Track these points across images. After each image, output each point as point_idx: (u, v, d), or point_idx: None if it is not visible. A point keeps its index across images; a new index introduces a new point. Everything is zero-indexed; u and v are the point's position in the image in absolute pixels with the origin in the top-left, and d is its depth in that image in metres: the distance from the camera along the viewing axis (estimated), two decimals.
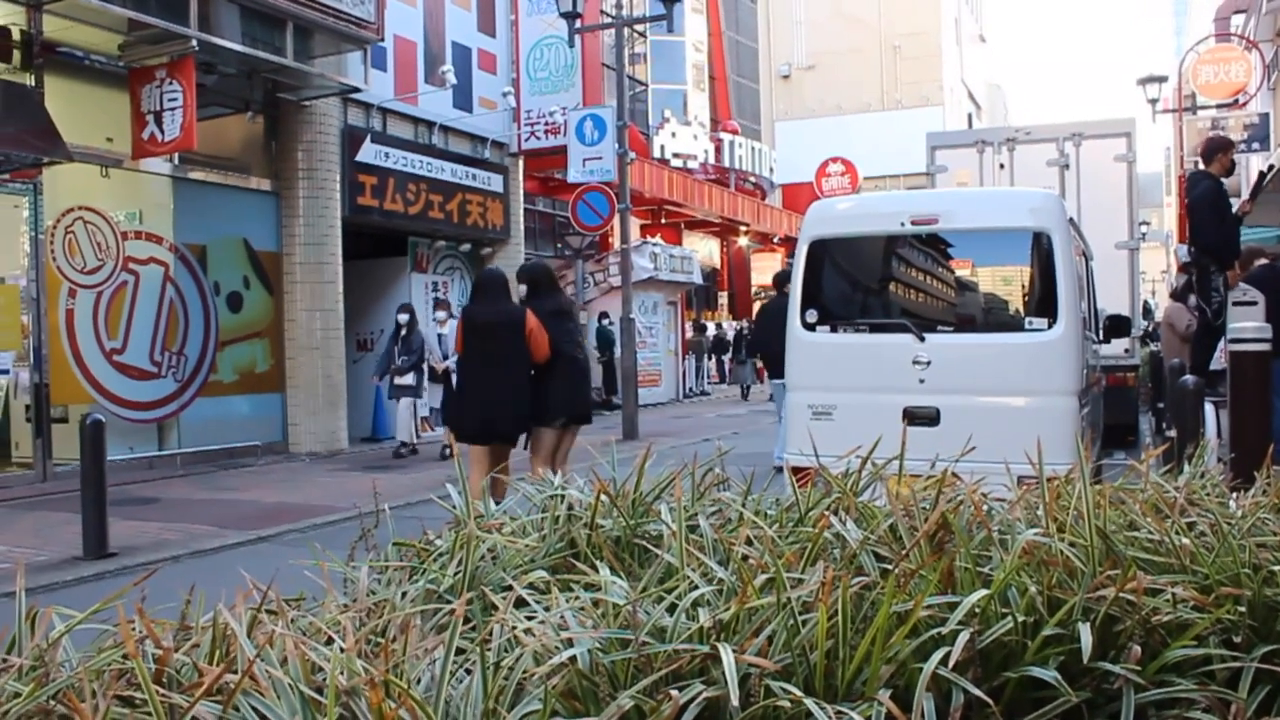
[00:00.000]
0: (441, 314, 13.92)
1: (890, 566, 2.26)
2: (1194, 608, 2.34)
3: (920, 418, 6.12)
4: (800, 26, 48.74)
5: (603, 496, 2.70)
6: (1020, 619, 2.10)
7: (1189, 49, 24.00)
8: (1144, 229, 22.02)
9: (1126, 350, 10.49)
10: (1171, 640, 2.29)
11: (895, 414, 6.16)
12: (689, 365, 26.87)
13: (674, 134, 30.01)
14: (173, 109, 11.62)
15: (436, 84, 16.66)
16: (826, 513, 2.48)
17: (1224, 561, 2.47)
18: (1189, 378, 7.17)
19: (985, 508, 2.63)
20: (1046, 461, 3.47)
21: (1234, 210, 8.66)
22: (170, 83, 11.67)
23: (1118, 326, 8.20)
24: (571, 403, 7.70)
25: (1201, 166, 8.34)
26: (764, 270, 35.75)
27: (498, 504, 3.06)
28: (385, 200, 15.89)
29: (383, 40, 14.63)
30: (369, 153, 15.54)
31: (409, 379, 13.72)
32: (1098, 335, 8.14)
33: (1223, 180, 8.22)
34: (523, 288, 7.90)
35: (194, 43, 11.48)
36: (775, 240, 34.44)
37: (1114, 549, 2.48)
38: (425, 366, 13.76)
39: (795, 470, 5.73)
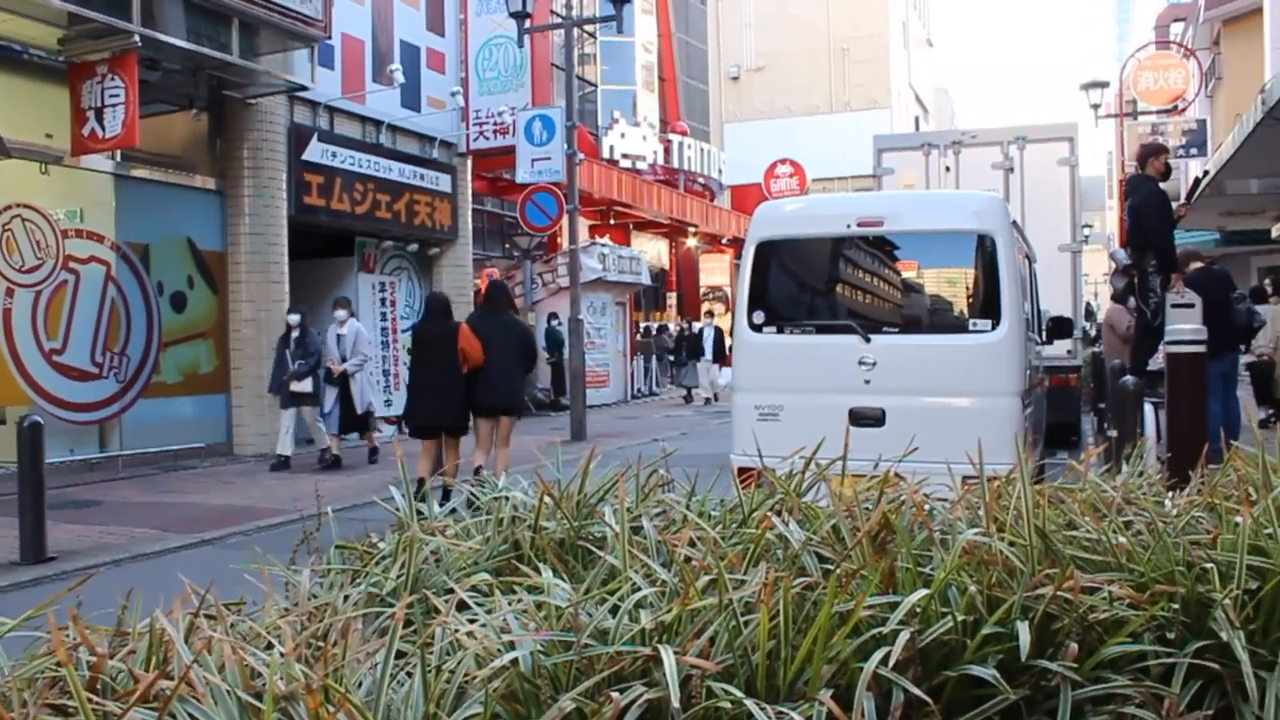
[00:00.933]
0: (341, 313, 13.05)
1: (832, 567, 2.28)
2: (1130, 605, 2.38)
3: (866, 418, 6.17)
4: (749, 29, 48.93)
5: (546, 498, 2.69)
6: (960, 618, 2.12)
7: (1130, 56, 24.40)
8: (1086, 232, 22.33)
9: (1069, 351, 10.60)
10: (1108, 637, 2.33)
11: (841, 415, 6.19)
12: (638, 366, 26.87)
13: (623, 135, 29.98)
14: (114, 105, 11.43)
15: (385, 83, 16.54)
16: (770, 514, 2.49)
17: (1159, 560, 2.51)
18: (1129, 378, 7.28)
19: (927, 508, 2.65)
20: (990, 462, 3.52)
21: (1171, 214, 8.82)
22: (112, 79, 11.47)
23: (1060, 328, 8.31)
24: (493, 397, 9.48)
25: (1139, 170, 8.47)
26: (712, 271, 35.84)
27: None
28: (332, 200, 15.74)
29: (330, 38, 14.49)
30: (316, 151, 15.38)
31: (306, 385, 12.61)
32: (1041, 336, 8.25)
33: (1162, 182, 8.36)
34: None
35: (136, 38, 11.30)
36: (724, 241, 34.54)
37: (1053, 548, 2.51)
38: (323, 370, 12.80)
39: (742, 471, 5.77)
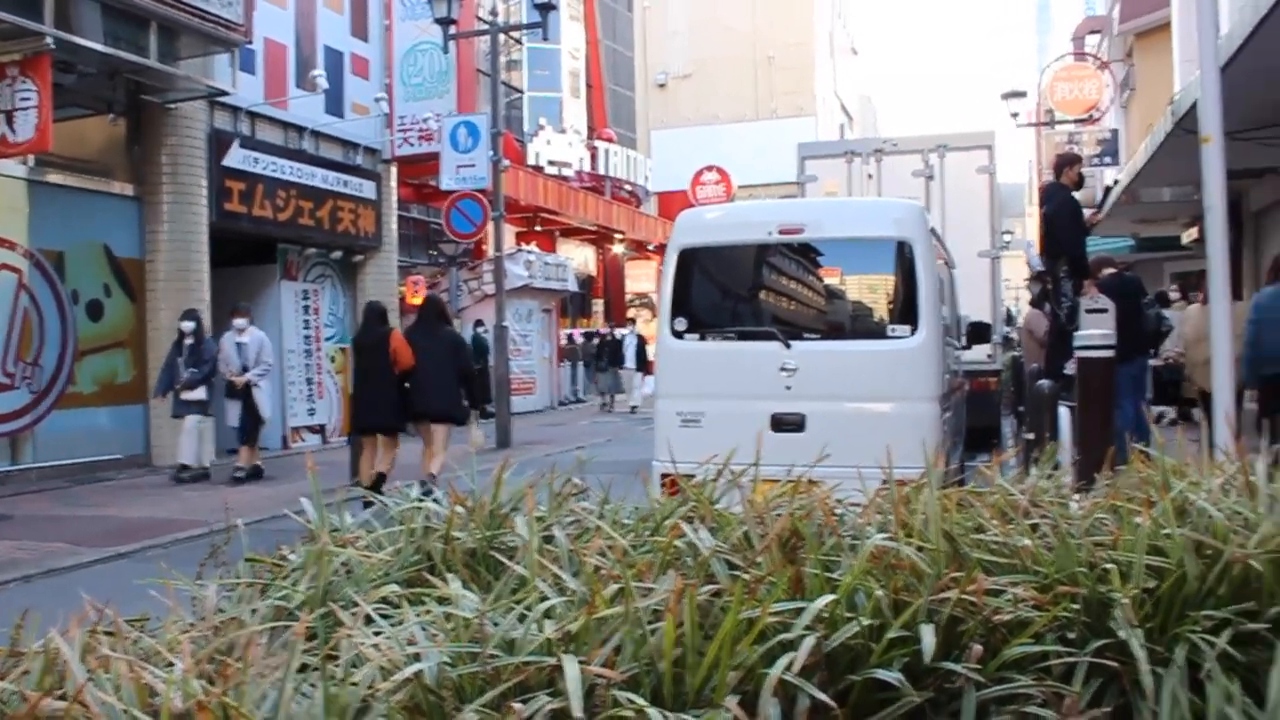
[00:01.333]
0: (241, 321, 12.56)
1: (741, 574, 2.29)
2: (1034, 606, 2.42)
3: (787, 424, 6.23)
4: (677, 36, 49.17)
5: (459, 508, 2.68)
6: (866, 623, 2.14)
7: (1047, 66, 24.95)
8: (1007, 238, 22.74)
9: (989, 355, 10.78)
10: (1011, 638, 2.37)
11: (763, 421, 6.24)
12: (565, 373, 26.82)
13: (549, 141, 29.95)
14: (26, 109, 11.17)
15: (308, 88, 16.36)
16: (680, 522, 2.50)
17: (1062, 561, 2.56)
18: (1044, 382, 7.42)
19: (839, 513, 2.68)
20: (910, 466, 3.57)
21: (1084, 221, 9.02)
22: (23, 81, 11.21)
23: (979, 333, 8.46)
24: (425, 404, 10.08)
25: (1054, 178, 8.66)
26: (639, 278, 35.91)
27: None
28: (254, 206, 15.51)
29: (251, 43, 14.29)
30: (237, 157, 15.16)
31: (199, 394, 12.21)
32: (960, 341, 8.38)
33: (1076, 191, 8.55)
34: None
35: (49, 40, 11.05)
36: (650, 248, 34.63)
37: (960, 552, 2.55)
38: (221, 380, 12.45)
39: (665, 478, 5.77)
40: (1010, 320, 15.63)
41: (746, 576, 2.24)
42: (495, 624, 1.98)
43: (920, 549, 2.53)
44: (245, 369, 12.33)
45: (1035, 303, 10.42)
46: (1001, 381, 12.15)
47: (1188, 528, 2.75)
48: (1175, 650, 2.52)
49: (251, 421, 12.46)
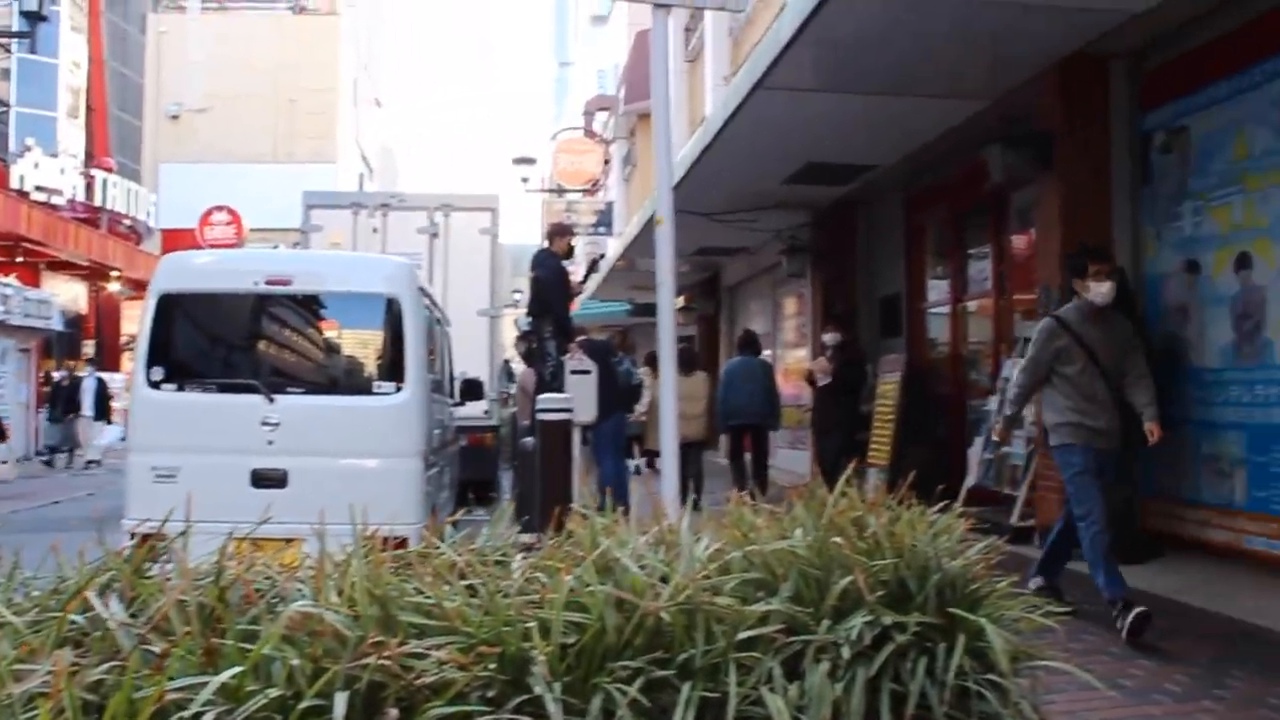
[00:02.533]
0: None
1: (150, 648, 2.18)
2: (459, 667, 2.49)
3: (268, 480, 6.05)
4: (194, 67, 46.71)
5: None
6: (276, 694, 2.10)
7: (551, 137, 26.44)
8: (517, 296, 23.61)
9: (486, 411, 11.11)
10: (435, 700, 2.42)
11: (243, 476, 6.05)
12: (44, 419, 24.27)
13: (37, 164, 27.30)
14: None
15: None
16: (89, 593, 2.33)
17: (490, 621, 2.66)
18: (529, 439, 7.74)
19: (268, 578, 2.62)
20: (397, 523, 3.57)
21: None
22: None
23: (472, 389, 8.70)
24: None
25: (547, 245, 9.16)
26: (135, 319, 33.46)
27: None
28: None
29: None
30: None
31: None
32: (454, 398, 8.56)
33: (565, 260, 9.11)
34: None
35: None
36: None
37: (390, 615, 2.58)
38: None
39: (134, 537, 5.39)
40: (512, 377, 16.23)
41: (158, 650, 2.13)
42: None
43: (353, 613, 2.53)
44: None
45: (526, 360, 10.92)
46: (501, 436, 12.55)
47: (611, 584, 2.96)
48: (593, 700, 2.69)
49: None
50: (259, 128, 46.31)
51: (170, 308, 6.46)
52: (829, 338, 10.99)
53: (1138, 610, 5.21)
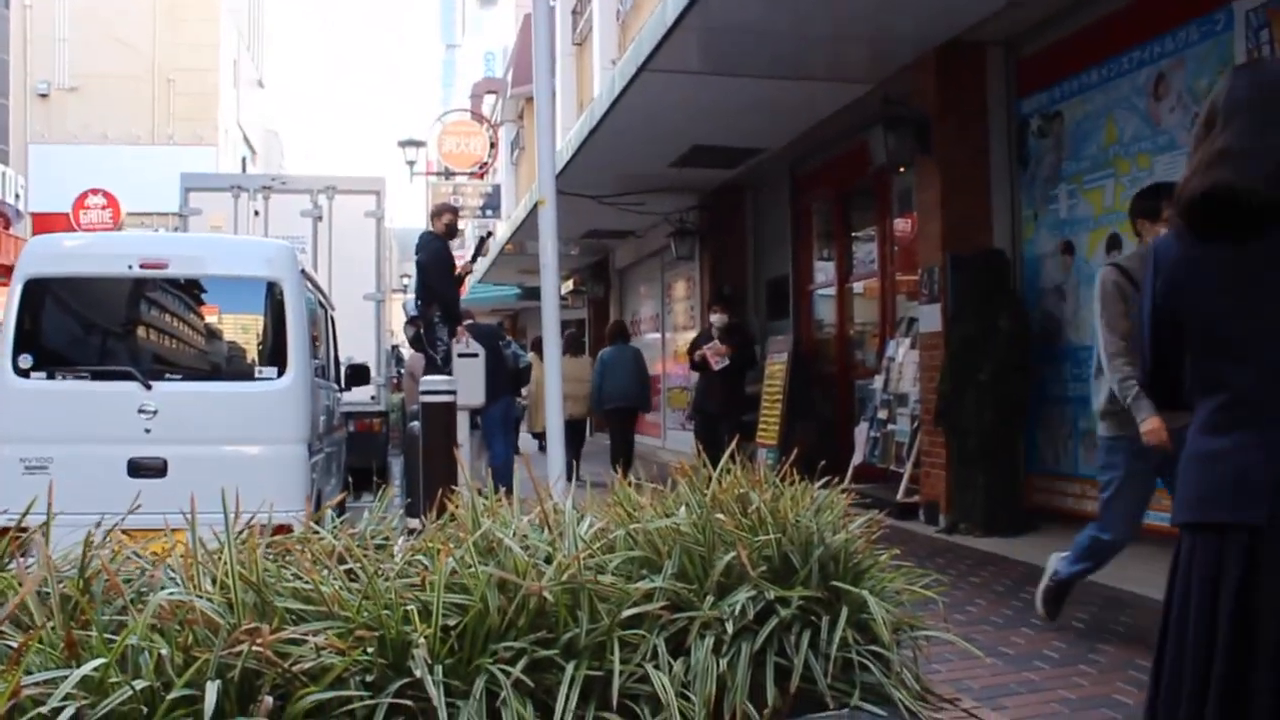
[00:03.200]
0: None
1: (10, 642, 2.10)
2: (338, 653, 2.46)
3: (146, 469, 5.88)
4: (64, 44, 44.84)
5: None
6: (144, 685, 2.05)
7: (437, 119, 26.11)
8: (406, 281, 23.28)
9: (373, 397, 10.92)
10: (313, 686, 2.38)
11: (120, 466, 5.87)
12: None
13: None
14: None
15: None
16: None
17: (369, 605, 2.63)
18: (416, 424, 7.65)
19: (139, 569, 2.55)
20: (282, 510, 3.49)
21: (456, 269, 9.53)
22: None
23: (359, 374, 8.55)
24: None
25: (430, 227, 9.06)
26: (3, 306, 32.23)
27: None
28: None
29: None
30: None
31: None
32: (340, 383, 8.41)
33: (449, 241, 9.01)
34: None
35: None
36: None
37: (267, 601, 2.53)
38: None
39: (2, 531, 5.19)
40: (400, 362, 16.02)
41: (15, 644, 2.05)
42: None
43: (227, 601, 2.48)
44: None
45: (414, 345, 10.78)
46: (391, 422, 12.37)
47: (493, 564, 2.95)
48: (476, 682, 2.68)
49: None
50: (135, 108, 44.69)
51: (38, 293, 6.21)
52: (716, 319, 11.07)
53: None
